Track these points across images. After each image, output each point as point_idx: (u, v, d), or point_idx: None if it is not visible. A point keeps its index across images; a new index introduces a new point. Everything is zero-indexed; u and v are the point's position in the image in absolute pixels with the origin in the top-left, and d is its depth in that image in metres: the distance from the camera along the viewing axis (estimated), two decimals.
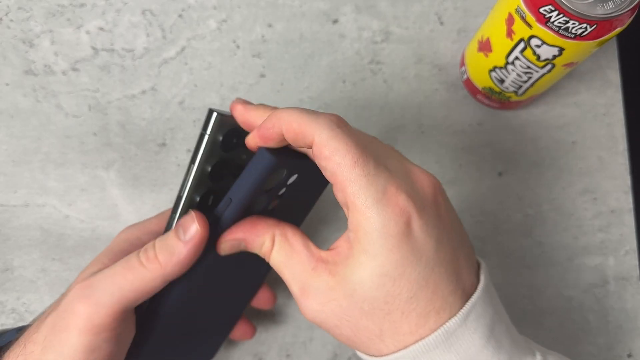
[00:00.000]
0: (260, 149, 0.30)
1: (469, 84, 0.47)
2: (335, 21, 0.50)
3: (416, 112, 0.49)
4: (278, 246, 0.30)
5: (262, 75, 0.48)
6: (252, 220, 0.31)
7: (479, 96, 0.47)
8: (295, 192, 0.34)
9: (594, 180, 0.48)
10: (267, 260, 0.31)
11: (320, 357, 0.45)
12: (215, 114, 0.31)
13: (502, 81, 0.43)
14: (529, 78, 0.41)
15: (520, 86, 0.42)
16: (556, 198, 0.48)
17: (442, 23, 0.50)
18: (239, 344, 0.45)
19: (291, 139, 0.29)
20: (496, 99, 0.46)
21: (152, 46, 0.48)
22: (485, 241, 0.47)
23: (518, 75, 0.41)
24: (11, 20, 0.48)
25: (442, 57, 0.50)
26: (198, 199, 0.33)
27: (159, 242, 0.30)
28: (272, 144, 0.30)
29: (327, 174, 0.28)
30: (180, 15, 0.49)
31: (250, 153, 0.31)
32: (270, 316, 0.45)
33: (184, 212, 0.32)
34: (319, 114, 0.29)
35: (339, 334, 0.29)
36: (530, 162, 0.48)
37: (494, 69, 0.42)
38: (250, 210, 0.32)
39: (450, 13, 0.50)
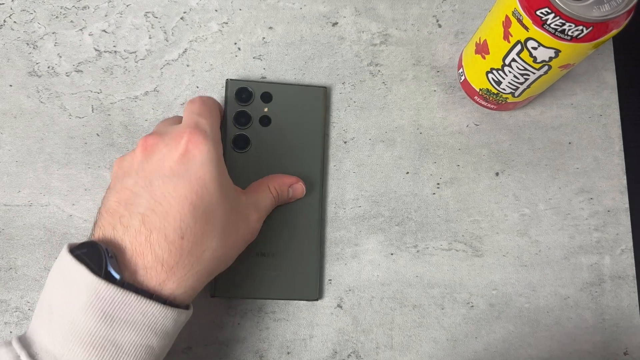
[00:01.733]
0: None
1: (466, 86, 0.48)
2: (335, 24, 0.50)
3: (414, 113, 0.49)
4: None
5: (263, 77, 0.49)
6: None
7: (476, 97, 0.48)
8: None
9: (590, 180, 0.49)
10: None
11: (320, 354, 0.46)
12: (226, 79, 0.47)
13: (499, 83, 0.44)
14: (526, 80, 0.41)
15: (517, 88, 0.43)
16: (552, 198, 0.48)
17: (440, 25, 0.51)
18: (240, 342, 0.45)
19: None
20: (493, 100, 0.46)
21: (155, 48, 0.49)
22: (482, 240, 0.47)
23: (515, 77, 0.42)
24: (15, 22, 0.49)
25: (440, 59, 0.50)
26: (231, 141, 0.46)
27: (280, 189, 0.44)
28: None
29: None
30: (182, 18, 0.50)
31: (269, 103, 0.47)
32: (271, 314, 0.46)
33: (227, 149, 0.46)
34: None
35: None
36: (527, 163, 0.49)
37: (491, 70, 0.43)
38: None
39: (448, 15, 0.51)
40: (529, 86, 0.42)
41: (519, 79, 0.42)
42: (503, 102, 0.46)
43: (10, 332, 0.45)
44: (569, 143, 0.49)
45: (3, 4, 0.49)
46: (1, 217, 0.46)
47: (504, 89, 0.44)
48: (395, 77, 0.50)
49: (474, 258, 0.47)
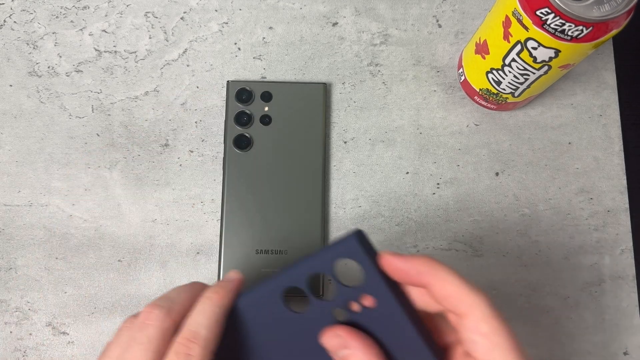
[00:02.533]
0: (354, 235, 0.31)
1: (466, 86, 0.48)
2: (335, 24, 0.50)
3: (414, 113, 0.49)
4: None
5: (263, 77, 0.49)
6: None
7: (476, 97, 0.48)
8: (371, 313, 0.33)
9: (590, 180, 0.49)
10: None
11: None
12: (227, 81, 0.48)
13: (499, 83, 0.44)
14: (526, 80, 0.41)
15: (517, 88, 0.43)
16: (552, 198, 0.48)
17: (440, 25, 0.51)
18: None
19: (437, 296, 0.30)
20: (493, 100, 0.46)
21: (155, 48, 0.49)
22: (482, 240, 0.47)
23: (515, 77, 0.42)
24: (15, 22, 0.49)
25: (440, 59, 0.50)
26: (232, 141, 0.47)
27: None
28: (404, 281, 0.31)
29: (473, 346, 0.29)
30: (182, 18, 0.50)
31: (269, 102, 0.47)
32: None
33: (229, 149, 0.47)
34: (475, 286, 0.29)
35: None
36: (527, 163, 0.49)
37: (490, 70, 0.43)
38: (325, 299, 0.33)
39: (448, 15, 0.51)
40: (528, 86, 0.42)
41: (518, 79, 0.42)
42: (503, 102, 0.46)
43: (10, 332, 0.45)
44: (569, 143, 0.49)
45: (3, 4, 0.49)
46: (1, 217, 0.46)
47: (503, 89, 0.44)
48: (395, 77, 0.50)
49: (474, 258, 0.47)
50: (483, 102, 0.48)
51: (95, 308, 0.46)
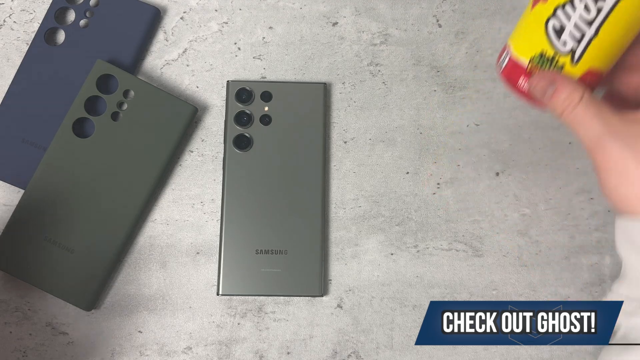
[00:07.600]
0: None
1: (511, 69, 0.40)
2: (335, 24, 0.50)
3: (414, 113, 0.49)
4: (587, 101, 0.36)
5: (263, 77, 0.49)
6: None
7: (521, 82, 0.40)
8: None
9: (590, 180, 0.49)
10: (561, 113, 0.36)
11: (320, 354, 0.46)
12: (227, 81, 0.48)
13: (561, 31, 0.37)
14: (599, 11, 0.35)
15: (583, 35, 0.37)
16: (553, 198, 0.48)
17: (440, 25, 0.51)
18: (240, 342, 0.45)
19: None
20: (546, 72, 0.39)
21: (155, 48, 0.49)
22: (482, 240, 0.47)
23: (586, 7, 0.36)
24: (14, 22, 0.49)
25: (440, 59, 0.50)
26: (232, 141, 0.47)
27: None
28: None
29: None
30: (182, 18, 0.50)
31: (269, 102, 0.47)
32: (270, 314, 0.46)
33: (229, 149, 0.47)
34: None
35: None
36: (527, 163, 0.49)
37: (554, 13, 0.37)
38: None
39: (449, 15, 0.51)
40: (601, 24, 0.36)
41: (590, 11, 0.35)
42: (556, 74, 0.38)
43: (10, 332, 0.45)
44: (569, 143, 0.49)
45: (3, 4, 0.49)
46: (1, 217, 0.46)
47: (564, 42, 0.37)
48: (395, 77, 0.50)
49: (474, 258, 0.47)
50: (526, 87, 0.40)
51: (95, 308, 0.46)
